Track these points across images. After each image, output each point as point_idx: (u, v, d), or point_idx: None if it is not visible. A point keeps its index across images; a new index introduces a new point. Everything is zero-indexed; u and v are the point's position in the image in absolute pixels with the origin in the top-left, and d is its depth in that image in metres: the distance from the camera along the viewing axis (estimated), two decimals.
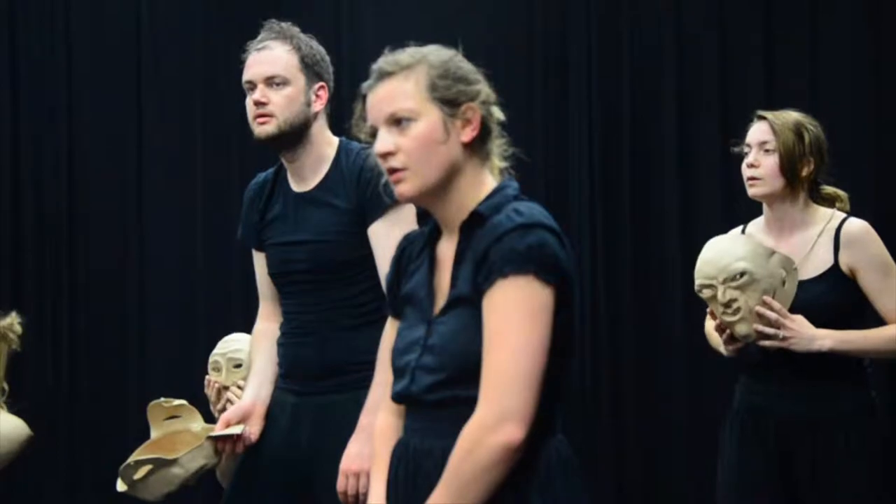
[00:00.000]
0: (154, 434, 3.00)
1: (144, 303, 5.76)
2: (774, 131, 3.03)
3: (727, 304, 2.93)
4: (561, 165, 5.22)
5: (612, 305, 5.15)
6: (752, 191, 3.06)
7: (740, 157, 3.11)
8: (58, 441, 6.35)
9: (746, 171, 3.07)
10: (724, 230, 3.23)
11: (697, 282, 3.00)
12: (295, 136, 2.78)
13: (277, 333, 2.91)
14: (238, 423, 2.83)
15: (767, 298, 2.93)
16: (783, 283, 2.92)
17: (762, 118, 3.08)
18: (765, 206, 3.10)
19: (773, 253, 2.96)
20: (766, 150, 3.03)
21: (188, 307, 5.70)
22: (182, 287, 5.69)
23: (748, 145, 3.08)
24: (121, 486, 2.84)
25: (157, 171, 5.65)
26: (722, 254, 2.97)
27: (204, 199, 5.55)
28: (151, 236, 5.67)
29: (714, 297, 2.94)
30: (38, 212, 5.74)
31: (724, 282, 2.92)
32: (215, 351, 3.41)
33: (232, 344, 3.29)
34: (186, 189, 5.58)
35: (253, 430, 2.84)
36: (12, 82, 5.57)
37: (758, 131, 3.07)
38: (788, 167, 3.00)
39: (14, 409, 3.21)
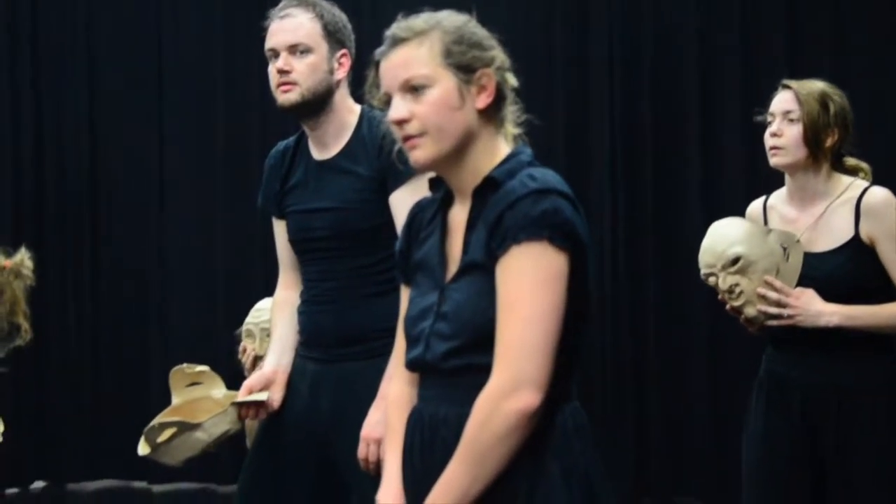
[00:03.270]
0: (175, 400, 3.02)
1: (166, 270, 5.80)
2: (799, 101, 2.99)
3: (730, 290, 2.92)
4: (581, 140, 5.22)
5: (634, 275, 5.15)
6: (774, 160, 3.03)
7: (764, 126, 3.08)
8: (81, 408, 6.42)
9: (769, 141, 3.03)
10: (748, 202, 3.22)
11: (701, 271, 2.99)
12: (318, 103, 2.78)
13: (298, 301, 2.92)
14: (260, 390, 2.85)
15: (769, 278, 2.91)
16: (786, 258, 2.90)
17: (787, 87, 3.04)
18: (787, 177, 3.07)
19: (769, 231, 2.94)
20: (791, 120, 2.99)
21: (209, 275, 5.73)
22: (203, 254, 5.72)
23: (772, 114, 3.05)
24: (143, 449, 2.86)
25: (177, 139, 5.67)
26: (717, 240, 2.96)
27: (224, 167, 5.58)
28: (171, 205, 5.70)
29: (717, 283, 2.94)
30: (61, 181, 5.77)
31: (723, 268, 2.91)
32: (248, 320, 3.44)
33: (264, 313, 3.31)
34: (206, 157, 5.61)
35: (275, 397, 2.85)
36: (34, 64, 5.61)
37: (782, 100, 3.04)
38: (812, 137, 2.97)
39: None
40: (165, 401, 3.06)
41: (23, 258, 3.11)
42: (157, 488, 6.66)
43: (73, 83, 5.64)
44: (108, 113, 5.70)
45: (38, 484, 6.81)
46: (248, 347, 3.32)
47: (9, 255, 3.11)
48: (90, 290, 6.49)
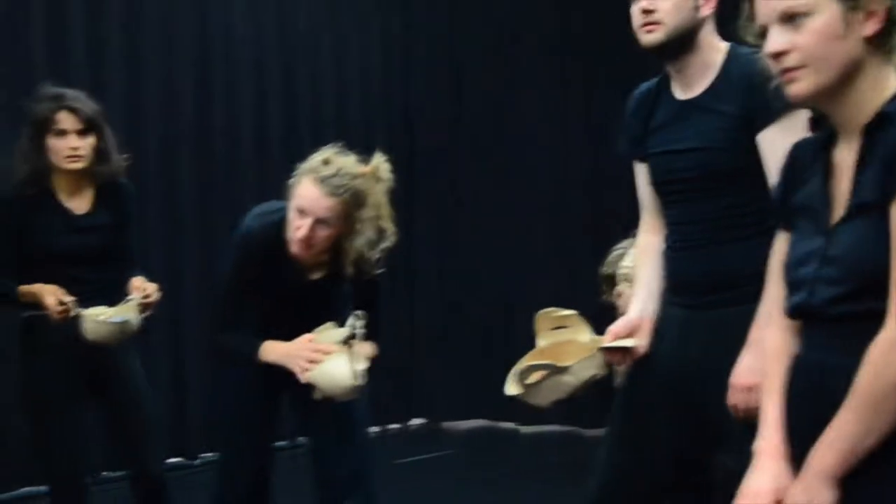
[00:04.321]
0: (541, 343, 3.05)
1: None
2: None
3: None
4: None
5: None
6: None
7: None
8: (450, 349, 6.71)
9: None
10: None
11: None
12: (682, 42, 2.71)
13: (661, 246, 2.87)
14: (626, 336, 2.83)
15: None
16: None
17: None
18: None
19: None
20: None
21: (568, 217, 5.75)
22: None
23: None
24: (512, 390, 2.91)
25: None
26: None
27: None
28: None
29: None
30: None
31: None
32: (623, 263, 3.44)
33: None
34: None
35: (641, 343, 2.83)
36: None
37: None
38: None
39: None
40: (530, 343, 3.10)
41: (379, 162, 3.19)
42: (524, 429, 6.85)
43: None
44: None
45: (417, 421, 7.19)
46: (624, 292, 3.30)
47: (365, 162, 3.18)
48: (453, 239, 6.75)
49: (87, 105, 3.57)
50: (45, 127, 3.51)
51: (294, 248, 3.12)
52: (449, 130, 7.19)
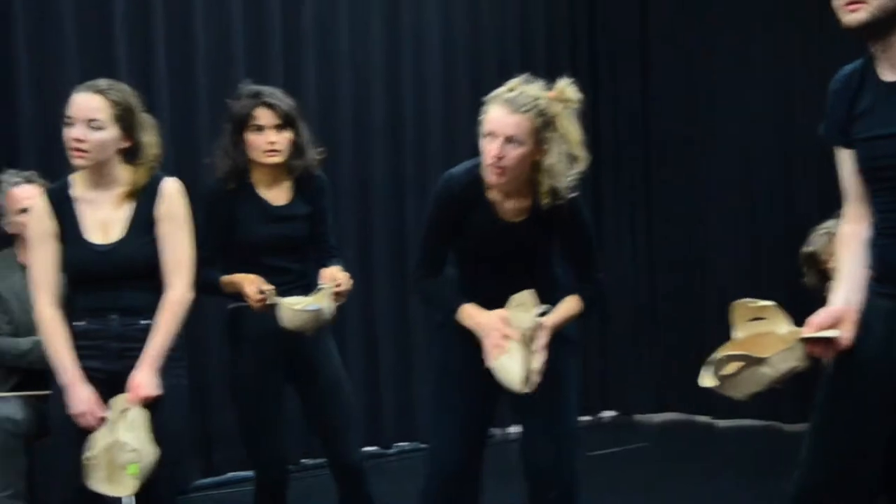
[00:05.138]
0: (738, 334, 2.97)
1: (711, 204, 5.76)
2: None
3: None
4: None
5: None
6: None
7: None
8: (646, 343, 6.64)
9: None
10: None
11: None
12: (888, 21, 2.58)
13: (866, 235, 2.75)
14: (829, 327, 2.73)
15: None
16: None
17: None
18: None
19: None
20: None
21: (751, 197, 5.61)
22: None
23: None
24: (708, 381, 2.84)
25: None
26: None
27: None
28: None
29: None
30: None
31: None
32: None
33: None
34: None
35: (846, 335, 2.72)
36: None
37: None
38: None
39: None
40: (724, 334, 3.03)
41: (565, 85, 3.16)
42: (720, 423, 6.71)
43: None
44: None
45: (607, 413, 7.13)
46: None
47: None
48: (646, 232, 6.68)
49: (284, 101, 3.68)
50: (243, 123, 3.63)
51: (489, 177, 3.14)
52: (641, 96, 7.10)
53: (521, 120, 3.10)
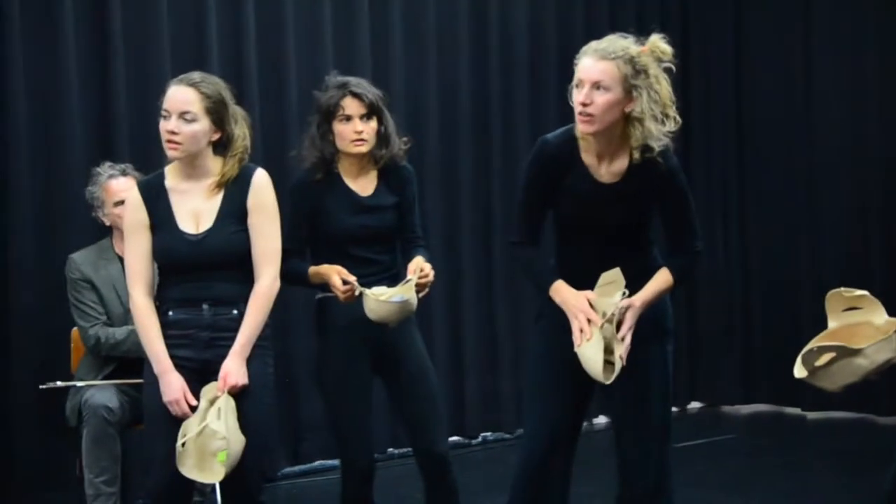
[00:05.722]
0: (832, 324, 2.92)
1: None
2: None
3: None
4: None
5: None
6: None
7: None
8: (734, 331, 6.56)
9: None
10: None
11: None
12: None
13: None
14: None
15: None
16: None
17: None
18: None
19: None
20: None
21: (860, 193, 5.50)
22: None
23: None
24: (800, 372, 2.80)
25: None
26: None
27: None
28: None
29: None
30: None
31: None
32: None
33: None
34: None
35: None
36: None
37: None
38: None
39: None
40: (819, 325, 2.98)
41: (657, 39, 3.12)
42: (811, 415, 6.59)
43: None
44: None
45: (695, 405, 7.06)
46: None
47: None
48: (738, 214, 6.58)
49: (370, 90, 3.69)
50: (331, 113, 3.66)
51: (579, 126, 3.12)
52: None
53: (609, 66, 3.07)
